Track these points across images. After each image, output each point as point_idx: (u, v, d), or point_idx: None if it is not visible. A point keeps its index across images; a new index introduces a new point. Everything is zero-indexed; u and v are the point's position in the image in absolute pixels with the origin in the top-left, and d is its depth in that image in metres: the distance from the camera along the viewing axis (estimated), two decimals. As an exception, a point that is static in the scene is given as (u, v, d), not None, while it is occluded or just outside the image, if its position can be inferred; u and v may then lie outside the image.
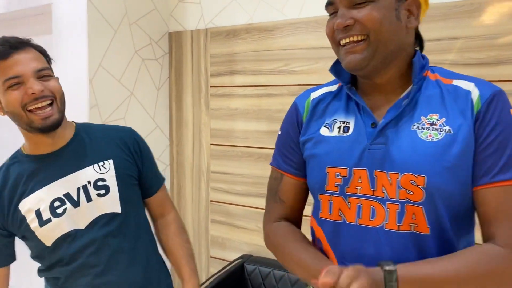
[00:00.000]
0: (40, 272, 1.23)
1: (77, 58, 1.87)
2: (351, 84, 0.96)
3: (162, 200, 1.37)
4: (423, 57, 0.94)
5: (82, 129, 1.26)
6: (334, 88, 1.01)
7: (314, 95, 1.02)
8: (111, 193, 1.19)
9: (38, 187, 1.15)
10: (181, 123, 2.21)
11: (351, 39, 0.86)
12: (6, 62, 1.09)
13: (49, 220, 1.14)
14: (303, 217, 1.08)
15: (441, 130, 0.83)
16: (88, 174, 1.18)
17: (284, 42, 1.87)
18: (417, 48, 0.94)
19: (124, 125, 1.99)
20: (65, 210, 1.15)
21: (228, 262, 1.99)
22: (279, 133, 1.06)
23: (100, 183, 1.19)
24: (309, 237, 1.01)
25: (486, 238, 0.83)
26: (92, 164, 1.19)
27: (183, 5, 2.15)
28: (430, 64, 0.94)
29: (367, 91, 0.94)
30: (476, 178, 0.82)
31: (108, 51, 1.92)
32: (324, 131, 0.96)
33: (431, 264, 0.80)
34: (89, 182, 1.17)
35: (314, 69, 1.81)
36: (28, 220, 1.14)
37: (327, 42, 0.93)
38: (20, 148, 1.23)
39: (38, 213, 1.14)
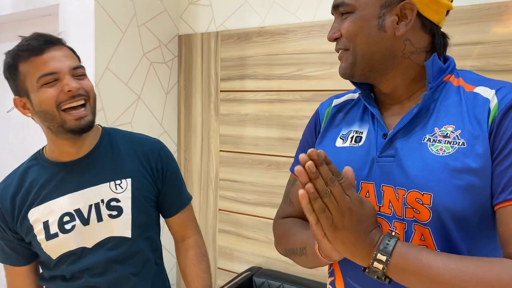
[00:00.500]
0: (42, 280, 1.18)
1: (84, 61, 1.81)
2: (369, 91, 0.89)
3: (184, 223, 1.28)
4: (447, 59, 0.85)
5: (107, 135, 1.18)
6: (356, 95, 0.95)
7: (336, 102, 0.96)
8: (123, 216, 1.12)
9: (50, 198, 1.09)
10: (189, 128, 2.14)
11: (341, 49, 0.85)
12: (41, 58, 1.02)
13: (55, 235, 1.09)
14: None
15: (454, 143, 0.75)
16: (103, 191, 1.12)
17: (298, 46, 1.80)
18: (441, 51, 0.86)
19: (130, 129, 1.93)
20: (73, 227, 1.09)
21: (236, 274, 1.92)
22: (302, 138, 1.01)
23: (113, 203, 1.12)
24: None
25: None
26: (109, 181, 1.13)
27: (194, 7, 2.09)
28: None
29: (382, 99, 0.88)
30: (494, 195, 0.73)
31: (115, 54, 1.86)
32: (338, 143, 0.89)
33: (434, 255, 0.70)
34: (102, 201, 1.11)
35: (328, 75, 1.74)
36: (35, 230, 1.09)
37: (342, 47, 0.90)
38: (42, 150, 1.17)
39: (46, 226, 1.09)
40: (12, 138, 2.39)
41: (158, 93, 2.09)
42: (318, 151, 0.68)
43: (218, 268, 2.10)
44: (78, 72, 1.06)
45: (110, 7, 1.82)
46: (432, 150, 0.76)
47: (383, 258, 0.70)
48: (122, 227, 1.12)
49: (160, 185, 1.21)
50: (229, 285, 1.80)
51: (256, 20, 1.89)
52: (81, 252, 1.10)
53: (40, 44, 1.03)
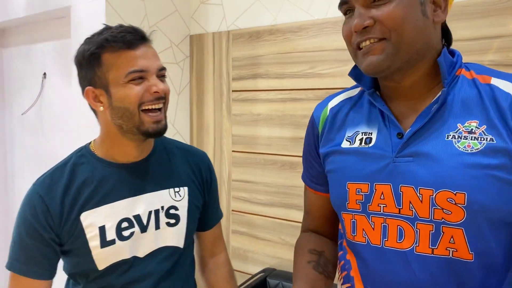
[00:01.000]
0: None
1: (96, 62, 1.82)
2: (374, 89, 0.85)
3: (216, 238, 1.25)
4: (454, 52, 0.82)
5: (160, 141, 1.14)
6: (354, 93, 0.91)
7: (332, 104, 0.92)
8: (180, 225, 1.08)
9: (107, 201, 1.01)
10: (201, 128, 2.13)
11: (371, 41, 0.75)
12: (134, 53, 0.97)
13: (112, 242, 1.00)
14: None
15: (482, 139, 0.71)
16: (163, 198, 1.07)
17: (310, 43, 1.77)
18: (444, 44, 0.83)
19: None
20: (132, 234, 1.02)
21: (249, 276, 1.89)
22: (303, 147, 0.99)
23: (172, 211, 1.08)
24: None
25: None
26: (169, 188, 1.09)
27: (205, 7, 2.08)
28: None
29: (392, 97, 0.83)
30: None
31: (127, 55, 1.86)
32: (345, 144, 0.85)
33: None
34: (162, 208, 1.06)
35: (341, 72, 1.70)
36: (88, 236, 0.99)
37: (355, 43, 0.84)
38: (89, 147, 1.08)
39: (103, 231, 1.00)
40: (27, 140, 2.42)
41: (170, 93, 2.08)
42: None
43: (232, 269, 2.08)
44: (162, 73, 1.03)
45: (121, 8, 1.82)
46: (459, 148, 0.72)
47: None
48: (176, 236, 1.08)
49: (207, 196, 1.18)
50: (243, 286, 1.78)
51: (267, 18, 1.87)
52: (132, 261, 1.03)
53: (135, 38, 0.98)
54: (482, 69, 0.79)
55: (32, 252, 0.99)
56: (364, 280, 0.82)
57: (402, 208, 0.76)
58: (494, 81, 0.75)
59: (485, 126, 0.72)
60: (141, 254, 1.04)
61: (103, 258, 1.00)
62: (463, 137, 0.73)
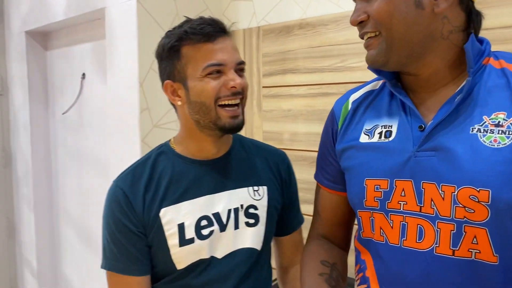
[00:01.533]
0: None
1: (128, 61, 1.86)
2: (395, 80, 0.81)
3: (296, 245, 1.18)
4: (482, 40, 0.76)
5: (237, 140, 1.12)
6: (376, 86, 0.87)
7: (354, 97, 0.89)
8: (259, 226, 1.03)
9: (186, 197, 0.99)
10: (233, 125, 2.13)
11: (368, 35, 0.75)
12: (212, 46, 0.94)
13: (191, 241, 0.97)
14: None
15: (510, 132, 0.66)
16: (242, 196, 1.03)
17: (340, 36, 1.72)
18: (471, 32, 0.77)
19: (175, 128, 1.95)
20: (211, 232, 0.98)
21: (281, 273, 1.87)
22: (320, 142, 0.95)
23: (251, 210, 1.03)
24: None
25: None
26: (248, 186, 1.04)
27: (236, 4, 2.08)
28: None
29: (413, 88, 0.79)
30: None
31: (158, 53, 1.89)
32: (363, 139, 0.82)
33: None
34: (241, 206, 1.02)
35: (373, 65, 1.65)
36: (166, 234, 0.96)
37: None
38: (169, 143, 1.07)
39: (182, 229, 0.97)
40: (69, 139, 2.51)
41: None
42: None
43: (264, 266, 2.07)
44: (241, 67, 0.99)
45: (152, 8, 1.85)
46: (485, 142, 0.67)
47: None
48: (255, 238, 1.03)
49: (287, 197, 1.13)
50: (275, 282, 1.76)
51: (297, 12, 1.84)
52: (210, 261, 0.99)
53: (215, 30, 0.95)
54: None
55: (127, 248, 0.97)
56: (381, 280, 0.78)
57: (423, 206, 0.72)
58: None
59: None
60: (219, 254, 1.00)
61: (181, 257, 0.97)
62: (489, 131, 0.68)
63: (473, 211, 0.66)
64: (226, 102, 0.95)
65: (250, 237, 1.02)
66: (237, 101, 0.97)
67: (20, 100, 2.61)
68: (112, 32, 1.92)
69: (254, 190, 1.05)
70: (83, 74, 2.33)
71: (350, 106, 0.88)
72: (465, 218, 0.67)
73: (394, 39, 0.72)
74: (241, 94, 0.97)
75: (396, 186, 0.75)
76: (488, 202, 0.65)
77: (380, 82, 0.87)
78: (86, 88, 2.34)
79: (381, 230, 0.77)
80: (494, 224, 0.65)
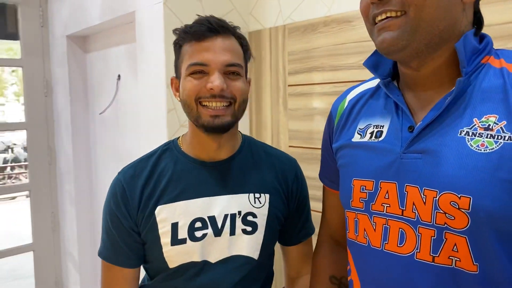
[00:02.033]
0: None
1: (156, 63, 1.91)
2: (392, 78, 0.78)
3: (304, 256, 1.15)
4: (483, 37, 0.72)
5: (247, 143, 1.11)
6: (374, 83, 0.85)
7: (351, 95, 0.87)
8: (256, 234, 1.02)
9: (183, 197, 0.99)
10: (260, 125, 2.14)
11: (388, 14, 0.68)
12: (198, 45, 0.94)
13: (183, 241, 0.97)
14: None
15: (499, 137, 0.62)
16: (241, 202, 1.02)
17: (365, 33, 1.65)
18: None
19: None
20: (204, 235, 0.98)
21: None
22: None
23: (249, 217, 1.02)
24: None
25: None
26: (249, 192, 1.03)
27: (262, 3, 2.08)
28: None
29: (410, 86, 0.76)
30: None
31: (185, 54, 1.93)
32: (356, 138, 0.80)
33: None
34: (239, 213, 1.01)
35: (398, 62, 1.60)
36: (160, 231, 0.98)
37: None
38: (177, 140, 1.08)
39: (175, 228, 0.97)
40: (106, 138, 2.62)
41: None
42: None
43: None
44: (231, 69, 0.96)
45: (178, 9, 1.89)
46: (472, 146, 0.64)
47: None
48: (252, 246, 1.02)
49: (293, 207, 1.11)
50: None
51: (321, 9, 1.82)
52: (202, 266, 0.99)
53: (203, 30, 0.95)
54: None
55: (116, 240, 1.00)
56: (363, 284, 0.77)
57: (405, 210, 0.69)
58: None
59: (505, 122, 0.63)
60: (212, 259, 0.99)
61: (172, 257, 0.98)
62: (477, 134, 0.64)
63: (453, 217, 0.64)
64: (207, 104, 0.95)
65: (246, 245, 1.00)
66: (219, 104, 0.94)
67: (62, 101, 2.75)
68: (141, 34, 1.98)
69: (255, 197, 1.02)
70: (119, 76, 2.42)
71: (346, 104, 0.86)
72: (445, 225, 0.65)
73: (421, 21, 0.67)
74: (226, 98, 0.94)
75: (381, 187, 0.73)
76: (468, 210, 0.62)
77: (378, 80, 0.85)
78: (121, 89, 2.43)
79: (365, 232, 0.75)
80: (474, 232, 0.62)
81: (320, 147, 1.94)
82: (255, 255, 1.02)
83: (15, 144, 12.26)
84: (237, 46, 1.00)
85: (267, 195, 1.04)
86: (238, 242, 1.00)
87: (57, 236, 2.87)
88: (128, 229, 1.00)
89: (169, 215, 0.98)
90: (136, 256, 1.02)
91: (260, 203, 1.03)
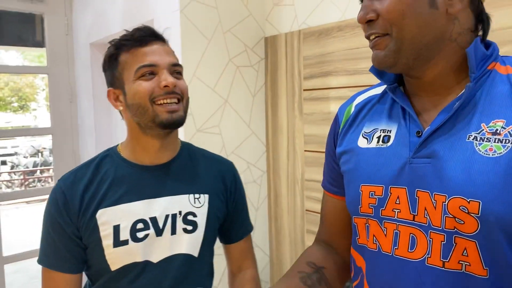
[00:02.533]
0: None
1: (173, 69, 1.95)
2: (398, 84, 0.79)
3: (244, 252, 1.21)
4: (489, 44, 0.72)
5: (185, 148, 1.15)
6: (381, 89, 0.85)
7: (358, 100, 0.88)
8: (196, 233, 1.06)
9: (125, 200, 1.02)
10: (276, 129, 2.15)
11: (375, 34, 0.72)
12: (143, 50, 1.00)
13: (125, 243, 1.00)
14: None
15: (506, 141, 0.63)
16: (182, 203, 1.06)
17: (379, 37, 1.68)
18: (480, 34, 0.73)
19: (218, 132, 2.02)
20: (146, 236, 1.01)
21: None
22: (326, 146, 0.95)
23: (190, 217, 1.05)
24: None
25: None
26: (189, 193, 1.07)
27: (278, 8, 2.10)
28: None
29: (415, 92, 0.76)
30: None
31: (201, 61, 1.97)
32: (362, 142, 0.80)
33: None
34: (180, 213, 1.05)
35: (413, 65, 1.59)
36: (101, 234, 1.00)
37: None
38: (116, 148, 1.11)
39: (117, 230, 1.00)
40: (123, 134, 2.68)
41: (245, 96, 2.14)
42: None
43: (308, 269, 2.07)
44: (176, 69, 1.03)
45: (195, 17, 1.93)
46: (480, 151, 0.65)
47: None
48: (192, 244, 1.06)
49: (231, 206, 1.16)
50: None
51: (336, 14, 1.82)
52: (144, 266, 1.01)
53: (144, 35, 1.02)
54: None
55: (58, 246, 1.01)
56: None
57: (416, 215, 0.70)
58: None
59: None
60: (154, 259, 1.02)
61: (115, 258, 1.00)
62: (485, 139, 0.65)
63: (463, 222, 0.64)
64: (162, 102, 0.99)
65: (187, 243, 1.04)
66: (174, 100, 1.00)
67: (86, 107, 2.83)
68: (159, 42, 2.03)
69: (195, 198, 1.07)
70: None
71: (353, 109, 0.87)
72: (455, 229, 0.65)
73: (404, 40, 0.69)
74: (177, 94, 1.00)
75: (391, 193, 0.73)
76: (478, 214, 0.62)
77: (385, 85, 0.85)
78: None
79: (374, 238, 0.76)
80: (484, 237, 0.62)
81: (336, 151, 1.95)
82: (195, 252, 1.06)
83: (44, 148, 12.65)
84: (172, 50, 1.08)
85: (207, 196, 1.09)
86: (179, 241, 1.04)
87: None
88: (69, 234, 1.01)
89: (111, 218, 1.00)
90: (78, 261, 1.04)
91: (200, 203, 1.08)
